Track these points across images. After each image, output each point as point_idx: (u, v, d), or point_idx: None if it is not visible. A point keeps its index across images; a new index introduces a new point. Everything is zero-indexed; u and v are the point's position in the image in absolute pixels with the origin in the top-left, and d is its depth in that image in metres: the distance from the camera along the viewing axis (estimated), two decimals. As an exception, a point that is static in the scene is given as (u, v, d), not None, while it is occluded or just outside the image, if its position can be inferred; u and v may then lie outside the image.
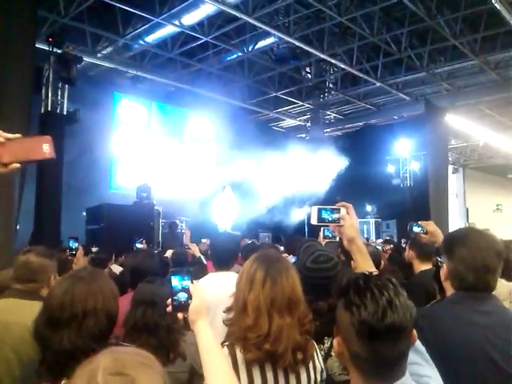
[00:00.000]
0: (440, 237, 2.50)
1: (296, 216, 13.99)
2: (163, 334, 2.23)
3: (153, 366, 0.84)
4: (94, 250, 5.86)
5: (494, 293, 1.78)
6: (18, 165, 1.26)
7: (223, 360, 1.35)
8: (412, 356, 1.25)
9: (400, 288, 1.15)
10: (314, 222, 1.74)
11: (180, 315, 1.50)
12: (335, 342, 1.19)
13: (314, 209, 1.74)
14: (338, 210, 1.72)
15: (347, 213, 1.71)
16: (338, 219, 1.71)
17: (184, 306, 1.48)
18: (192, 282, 1.51)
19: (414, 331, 1.15)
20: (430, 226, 2.66)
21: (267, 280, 1.64)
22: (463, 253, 1.75)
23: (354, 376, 1.17)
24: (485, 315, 1.68)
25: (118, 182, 12.62)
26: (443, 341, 1.61)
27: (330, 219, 1.72)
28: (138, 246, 5.70)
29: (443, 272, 1.85)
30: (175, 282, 1.51)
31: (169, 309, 1.52)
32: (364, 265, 1.63)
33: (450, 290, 1.84)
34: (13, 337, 2.04)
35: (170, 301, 1.51)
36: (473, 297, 1.72)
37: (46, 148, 1.30)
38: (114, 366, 0.79)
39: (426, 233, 2.65)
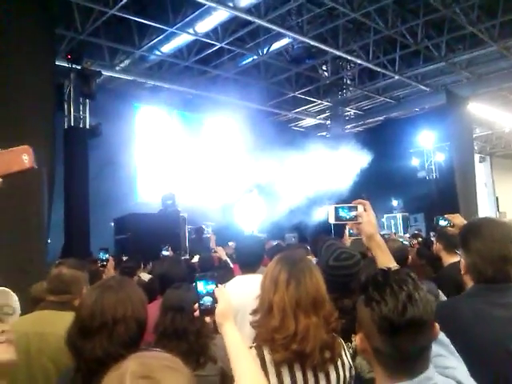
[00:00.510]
0: None
1: (320, 215, 13.92)
2: (192, 338, 2.26)
3: (179, 369, 0.87)
4: (124, 258, 5.98)
5: None
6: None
7: (251, 361, 1.37)
8: (436, 348, 1.25)
9: (419, 282, 1.15)
10: (331, 220, 1.75)
11: (208, 319, 1.53)
12: (358, 338, 1.20)
13: (331, 208, 1.75)
14: (355, 208, 1.72)
15: (364, 210, 1.71)
16: (356, 217, 1.71)
17: (211, 310, 1.51)
18: (217, 286, 1.54)
19: (436, 324, 1.15)
20: (457, 218, 2.63)
21: (291, 281, 1.65)
22: (479, 245, 1.72)
23: (377, 372, 1.18)
24: (504, 308, 1.65)
25: (143, 191, 12.81)
26: (462, 334, 1.58)
27: (348, 217, 1.73)
28: (165, 253, 5.78)
29: (462, 265, 1.83)
30: (200, 286, 1.54)
31: (196, 313, 1.55)
32: (384, 260, 1.63)
33: (470, 283, 1.81)
34: (50, 347, 2.10)
35: (196, 305, 1.54)
36: (492, 289, 1.69)
37: (25, 158, 1.27)
38: (141, 369, 0.82)
39: (453, 226, 2.61)
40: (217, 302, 1.50)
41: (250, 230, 11.46)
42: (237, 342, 1.41)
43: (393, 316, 1.08)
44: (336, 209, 1.74)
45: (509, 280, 1.70)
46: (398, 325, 1.08)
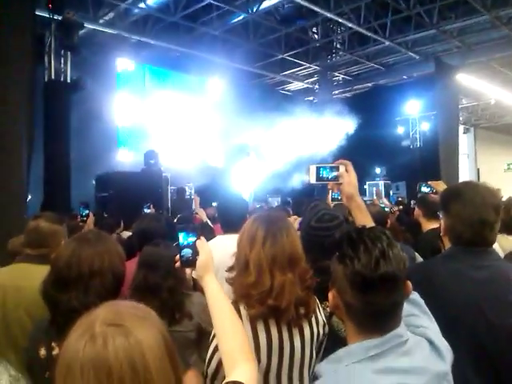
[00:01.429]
0: None
1: (303, 179, 13.97)
2: (165, 295, 2.27)
3: (150, 319, 0.87)
4: (105, 215, 5.95)
5: (494, 246, 1.78)
6: None
7: (230, 310, 1.38)
8: (409, 308, 1.27)
9: (393, 240, 1.16)
10: (312, 181, 1.73)
11: (188, 271, 1.56)
12: (330, 294, 1.21)
13: (313, 167, 1.72)
14: (337, 168, 1.69)
15: (346, 170, 1.69)
16: (337, 177, 1.69)
17: (191, 262, 1.51)
18: (198, 238, 1.54)
19: (409, 282, 1.16)
20: (440, 185, 2.65)
21: (268, 238, 1.66)
22: (459, 209, 1.74)
23: (349, 328, 1.20)
24: (480, 269, 1.68)
25: (126, 149, 12.63)
26: (436, 294, 1.61)
27: (329, 177, 1.70)
28: (146, 210, 5.76)
29: (441, 227, 1.85)
30: (181, 238, 1.55)
31: (177, 264, 1.56)
32: (363, 221, 1.63)
33: (448, 245, 1.84)
34: (26, 299, 2.10)
35: (178, 257, 1.55)
36: (469, 251, 1.72)
37: None
38: (112, 317, 0.83)
39: (436, 193, 2.63)
40: (198, 255, 1.50)
41: (248, 192, 11.42)
42: (216, 294, 1.41)
43: (365, 271, 1.09)
44: (317, 169, 1.71)
45: (486, 244, 1.74)
46: (371, 280, 1.09)
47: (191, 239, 1.54)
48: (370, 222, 1.61)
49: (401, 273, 1.12)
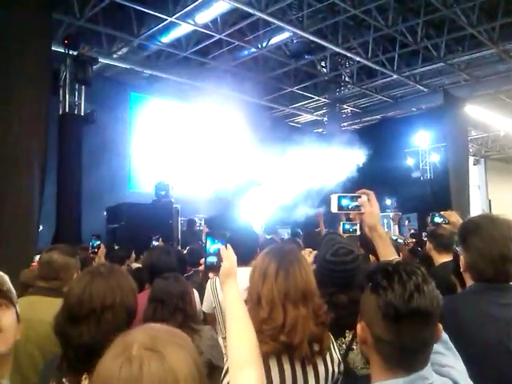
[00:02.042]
0: None
1: (313, 211, 13.92)
2: None
3: (185, 347, 0.87)
4: (116, 247, 5.94)
5: None
6: None
7: (246, 318, 1.38)
8: (435, 345, 1.23)
9: (428, 276, 1.14)
10: (334, 210, 1.72)
11: (211, 275, 1.56)
12: (359, 326, 1.19)
13: (334, 197, 1.72)
14: (358, 197, 1.69)
15: (368, 199, 1.68)
16: (358, 206, 1.68)
17: (215, 267, 1.54)
18: (225, 246, 1.56)
19: (440, 326, 1.14)
20: (453, 216, 2.62)
21: (280, 272, 1.64)
22: (478, 244, 1.71)
23: (375, 363, 1.16)
24: (505, 307, 1.64)
25: (136, 181, 12.74)
26: (461, 332, 1.57)
27: (350, 207, 1.70)
28: (155, 243, 5.75)
29: (462, 263, 1.81)
30: (208, 243, 1.58)
31: (201, 267, 1.60)
32: (385, 252, 1.61)
33: (469, 281, 1.80)
34: (37, 334, 2.08)
35: (202, 260, 1.58)
36: (492, 288, 1.68)
37: None
38: (149, 341, 0.83)
39: (448, 223, 2.60)
40: (222, 261, 1.53)
41: (257, 225, 11.41)
42: (233, 298, 1.43)
43: (398, 303, 1.07)
44: (339, 198, 1.71)
45: (509, 279, 1.70)
46: (404, 312, 1.07)
47: (217, 246, 1.57)
48: (392, 253, 1.59)
49: (434, 309, 1.10)
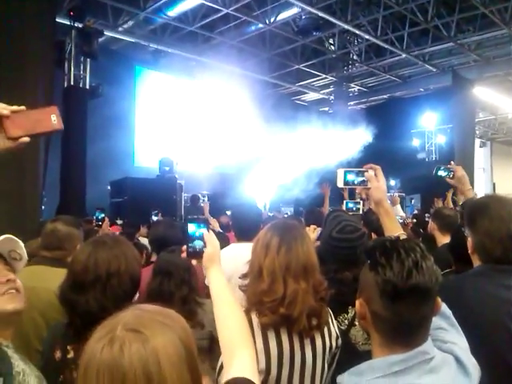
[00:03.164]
0: (467, 184, 2.41)
1: (316, 189, 13.90)
2: (178, 303, 2.26)
3: (172, 326, 0.86)
4: (119, 222, 5.97)
5: None
6: (27, 139, 1.16)
7: (233, 302, 1.36)
8: (437, 320, 1.23)
9: (427, 252, 1.13)
10: (340, 184, 1.70)
11: (194, 262, 1.53)
12: (357, 303, 1.19)
13: (340, 171, 1.69)
14: (365, 172, 1.67)
15: (375, 174, 1.65)
16: (365, 181, 1.66)
17: (198, 254, 1.50)
18: (208, 231, 1.53)
19: (439, 299, 1.13)
20: (459, 171, 2.57)
21: (282, 246, 1.64)
22: (486, 224, 1.69)
23: (374, 340, 1.17)
24: (509, 289, 1.62)
25: (141, 155, 12.73)
26: (463, 313, 1.56)
27: (357, 182, 1.68)
28: (154, 218, 5.77)
29: (469, 245, 1.79)
30: (191, 229, 1.53)
31: (183, 255, 1.55)
32: (391, 227, 1.59)
33: (477, 262, 1.77)
34: (41, 301, 2.10)
35: (185, 247, 1.54)
36: (499, 269, 1.66)
37: (54, 119, 1.21)
38: (133, 322, 0.82)
39: (453, 177, 2.55)
40: (205, 247, 1.49)
41: (261, 202, 11.44)
42: (220, 285, 1.40)
43: (397, 280, 1.06)
44: (345, 173, 1.69)
45: None
46: (401, 290, 1.06)
47: (201, 231, 1.53)
48: (398, 228, 1.58)
49: (432, 286, 1.09)
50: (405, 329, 1.10)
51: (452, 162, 2.60)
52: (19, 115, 1.15)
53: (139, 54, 12.39)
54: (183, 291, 2.29)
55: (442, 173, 2.51)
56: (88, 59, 10.11)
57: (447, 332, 1.27)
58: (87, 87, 10.19)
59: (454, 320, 1.32)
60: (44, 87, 6.44)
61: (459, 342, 1.24)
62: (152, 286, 2.32)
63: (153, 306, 0.92)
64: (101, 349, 0.79)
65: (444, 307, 1.29)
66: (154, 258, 3.23)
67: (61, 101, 9.16)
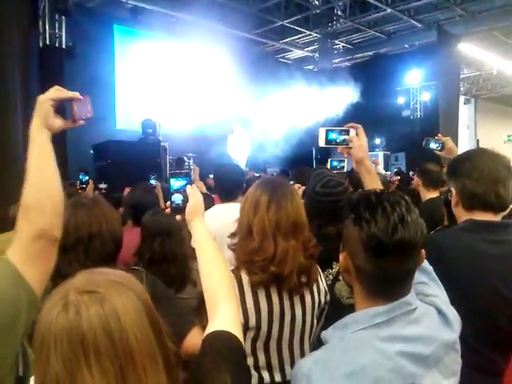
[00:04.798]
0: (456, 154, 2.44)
1: (303, 149, 13.87)
2: (181, 262, 2.26)
3: (126, 284, 0.84)
4: (102, 186, 5.88)
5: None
6: (83, 121, 1.38)
7: (216, 254, 1.35)
8: (418, 275, 1.24)
9: (412, 205, 1.12)
10: (321, 144, 1.69)
11: (178, 217, 1.51)
12: (341, 256, 1.18)
13: (322, 130, 1.68)
14: (347, 132, 1.65)
15: (356, 134, 1.65)
16: (347, 140, 1.65)
17: (182, 208, 1.48)
18: (190, 184, 1.51)
19: (423, 250, 1.13)
20: (449, 142, 2.59)
21: (272, 204, 1.63)
22: (468, 168, 1.70)
23: (358, 293, 1.17)
24: (495, 244, 1.63)
25: (123, 118, 12.47)
26: (446, 267, 1.55)
27: (338, 140, 1.67)
28: (152, 182, 5.68)
29: (453, 198, 1.78)
30: (174, 184, 1.51)
31: (167, 210, 1.53)
32: (372, 186, 1.59)
33: (461, 218, 1.77)
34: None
35: (168, 203, 1.52)
36: (486, 225, 1.67)
37: (91, 107, 1.41)
38: (85, 284, 0.80)
39: (442, 149, 2.57)
40: (188, 201, 1.47)
41: (243, 162, 11.41)
42: (203, 235, 1.39)
43: (382, 235, 1.05)
44: (327, 131, 1.67)
45: (502, 203, 1.67)
46: (387, 245, 1.05)
47: (181, 183, 1.51)
48: (379, 186, 1.58)
49: (418, 240, 1.08)
50: (389, 282, 1.10)
51: (439, 135, 2.62)
52: (77, 101, 1.36)
53: (117, 12, 11.91)
54: (183, 248, 2.28)
55: (432, 145, 2.55)
56: (63, 18, 9.71)
57: (428, 286, 1.28)
58: (63, 47, 9.83)
59: (435, 275, 1.33)
60: (19, 47, 6.21)
61: (440, 295, 1.25)
62: (154, 249, 2.28)
63: (103, 269, 0.90)
64: (55, 316, 0.76)
65: (425, 263, 1.30)
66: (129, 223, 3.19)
67: (36, 61, 8.84)
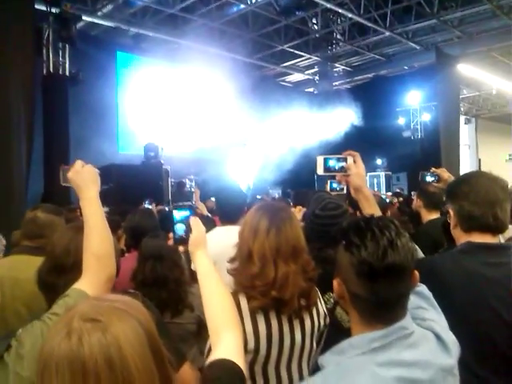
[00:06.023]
0: None
1: (303, 171, 13.92)
2: (172, 286, 2.26)
3: (130, 312, 0.84)
4: (105, 209, 5.90)
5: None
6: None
7: (219, 284, 1.37)
8: (417, 301, 1.24)
9: (402, 229, 1.12)
10: (320, 172, 1.70)
11: (181, 248, 1.54)
12: (335, 282, 1.18)
13: (320, 158, 1.70)
14: (345, 159, 1.67)
15: (354, 161, 1.66)
16: (344, 168, 1.67)
17: (184, 240, 1.50)
18: (193, 215, 1.53)
19: (416, 272, 1.13)
20: (444, 173, 2.60)
21: (271, 228, 1.63)
22: (465, 190, 1.71)
23: (353, 318, 1.17)
24: (494, 267, 1.62)
25: (126, 142, 12.57)
26: (444, 291, 1.54)
27: (337, 168, 1.68)
28: (147, 206, 5.71)
29: (451, 220, 1.78)
30: (176, 215, 1.55)
31: (170, 242, 1.56)
32: (370, 212, 1.59)
33: (459, 240, 1.77)
34: (24, 292, 2.08)
35: (171, 234, 1.54)
36: (484, 247, 1.66)
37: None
38: (90, 312, 0.81)
39: (439, 181, 2.58)
40: (191, 232, 1.49)
41: (244, 185, 11.42)
42: (206, 267, 1.41)
43: (372, 260, 1.05)
44: (325, 159, 1.69)
45: (499, 225, 1.67)
46: (377, 269, 1.05)
47: (184, 213, 1.54)
48: (377, 213, 1.58)
49: (408, 263, 1.08)
50: (383, 306, 1.10)
51: (433, 168, 2.65)
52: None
53: (120, 39, 12.15)
54: (176, 273, 2.29)
55: (428, 178, 2.57)
56: (67, 45, 9.88)
57: (427, 311, 1.27)
58: (67, 74, 9.98)
59: (434, 301, 1.32)
60: (25, 75, 6.31)
61: (438, 320, 1.24)
62: (145, 273, 2.30)
63: (110, 295, 0.91)
64: (58, 343, 0.77)
65: (423, 288, 1.30)
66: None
67: (40, 89, 8.98)
